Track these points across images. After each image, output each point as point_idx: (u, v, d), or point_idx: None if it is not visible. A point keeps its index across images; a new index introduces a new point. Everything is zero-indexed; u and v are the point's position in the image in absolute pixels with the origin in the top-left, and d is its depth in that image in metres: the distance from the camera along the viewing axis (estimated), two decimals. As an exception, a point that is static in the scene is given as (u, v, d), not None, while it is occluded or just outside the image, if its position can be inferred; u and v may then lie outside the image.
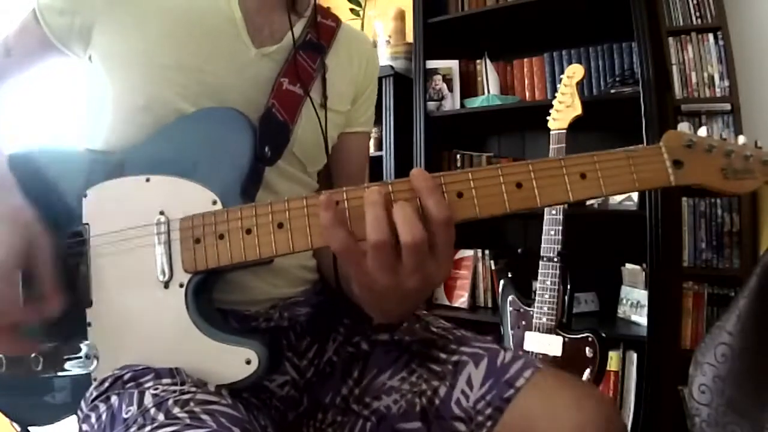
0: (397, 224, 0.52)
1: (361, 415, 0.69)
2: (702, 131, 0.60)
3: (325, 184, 0.86)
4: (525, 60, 2.20)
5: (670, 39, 1.83)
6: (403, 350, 0.72)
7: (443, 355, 0.70)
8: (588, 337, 1.51)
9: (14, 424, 0.72)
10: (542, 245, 1.60)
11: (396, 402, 0.67)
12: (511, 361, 0.66)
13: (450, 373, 0.67)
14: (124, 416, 0.55)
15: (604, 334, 1.52)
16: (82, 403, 0.62)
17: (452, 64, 2.28)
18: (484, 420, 0.62)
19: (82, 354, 0.66)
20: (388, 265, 0.52)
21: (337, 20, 0.87)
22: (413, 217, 0.52)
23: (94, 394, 0.61)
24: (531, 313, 1.61)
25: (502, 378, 0.64)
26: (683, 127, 0.62)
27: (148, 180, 0.66)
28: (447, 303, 2.27)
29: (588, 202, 2.01)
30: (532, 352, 1.57)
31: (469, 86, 2.30)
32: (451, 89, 2.27)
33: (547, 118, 1.64)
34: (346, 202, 0.56)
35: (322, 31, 0.82)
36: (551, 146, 1.61)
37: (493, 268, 2.23)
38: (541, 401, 0.62)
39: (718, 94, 1.77)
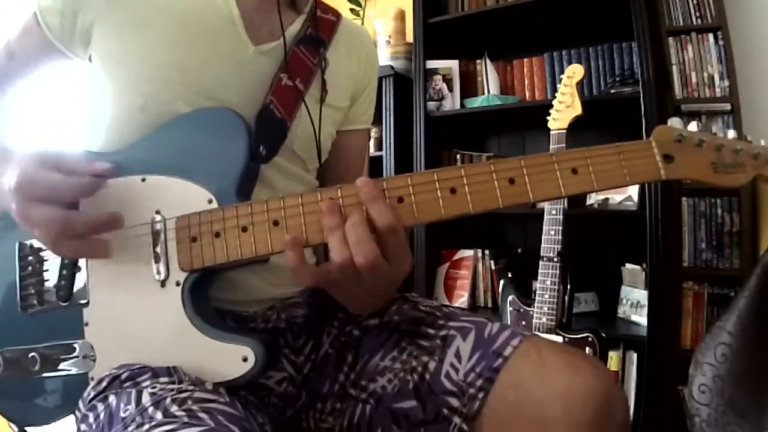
0: (350, 246, 0.55)
1: (359, 399, 0.69)
2: (692, 126, 0.60)
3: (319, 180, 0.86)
4: (525, 60, 2.20)
5: (670, 39, 1.83)
6: (393, 330, 0.72)
7: (431, 331, 0.70)
8: (588, 337, 1.51)
9: (12, 425, 0.72)
10: (542, 245, 1.60)
11: (390, 381, 0.68)
12: (498, 332, 0.66)
13: (438, 347, 0.67)
14: (122, 415, 0.55)
15: (604, 334, 1.52)
16: (80, 403, 0.62)
17: (452, 64, 2.28)
18: (476, 392, 0.62)
19: (79, 354, 0.66)
20: (351, 277, 0.57)
21: (338, 14, 0.87)
22: (364, 238, 0.55)
23: (92, 394, 0.61)
24: (531, 313, 1.61)
25: (490, 348, 0.64)
26: (674, 122, 0.62)
27: (143, 180, 0.66)
28: (447, 303, 2.26)
29: (588, 202, 2.01)
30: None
31: (469, 86, 2.30)
32: (451, 89, 2.27)
33: (547, 118, 1.64)
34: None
35: (323, 26, 0.82)
36: (551, 146, 1.61)
37: (493, 268, 2.23)
38: (532, 368, 0.61)
39: (718, 94, 1.77)
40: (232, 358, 0.60)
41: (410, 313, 0.74)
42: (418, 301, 0.77)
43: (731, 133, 0.60)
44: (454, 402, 0.63)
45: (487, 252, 2.26)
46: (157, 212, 0.64)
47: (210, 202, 0.63)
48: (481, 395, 0.62)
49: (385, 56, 2.36)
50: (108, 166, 0.63)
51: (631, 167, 0.58)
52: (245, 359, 0.60)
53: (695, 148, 0.59)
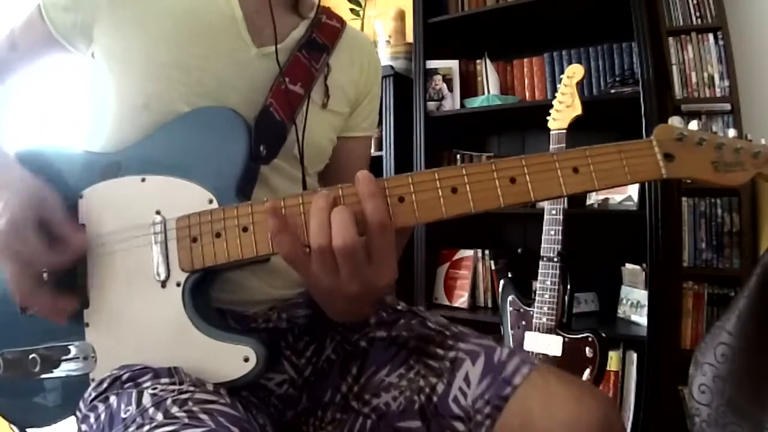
0: (332, 228, 0.55)
1: (360, 412, 0.69)
2: (693, 125, 0.60)
3: (320, 184, 0.86)
4: (525, 60, 2.20)
5: (670, 39, 1.83)
6: (401, 346, 0.72)
7: (441, 352, 0.69)
8: (588, 337, 1.51)
9: (12, 426, 0.72)
10: (542, 245, 1.60)
11: (395, 399, 0.67)
12: (508, 359, 0.66)
13: (447, 370, 0.67)
14: (123, 416, 0.55)
15: (604, 334, 1.52)
16: (81, 404, 0.62)
17: (452, 64, 2.28)
18: (483, 419, 0.62)
19: (80, 355, 0.66)
20: (329, 269, 0.56)
21: (342, 21, 0.87)
22: (347, 222, 0.55)
23: (93, 394, 0.61)
24: (531, 313, 1.61)
25: (500, 376, 0.64)
26: (674, 121, 0.62)
27: (143, 180, 0.66)
28: (447, 303, 2.27)
29: (588, 202, 2.01)
30: (532, 352, 1.57)
31: (469, 86, 2.30)
32: (451, 89, 2.27)
33: (547, 118, 1.64)
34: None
35: (327, 32, 0.82)
36: (551, 146, 1.61)
37: (493, 268, 2.23)
38: (539, 399, 0.62)
39: (718, 94, 1.77)
40: (233, 359, 0.60)
41: (419, 330, 0.73)
42: (426, 317, 0.76)
43: (731, 132, 0.60)
44: (460, 426, 0.63)
45: (487, 252, 2.25)
46: (158, 212, 0.64)
47: (210, 202, 0.63)
48: (488, 422, 0.62)
49: (385, 56, 2.36)
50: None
51: (632, 166, 0.58)
52: (246, 359, 0.59)
53: (696, 146, 0.59)
